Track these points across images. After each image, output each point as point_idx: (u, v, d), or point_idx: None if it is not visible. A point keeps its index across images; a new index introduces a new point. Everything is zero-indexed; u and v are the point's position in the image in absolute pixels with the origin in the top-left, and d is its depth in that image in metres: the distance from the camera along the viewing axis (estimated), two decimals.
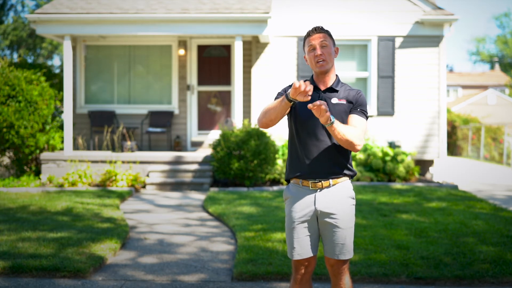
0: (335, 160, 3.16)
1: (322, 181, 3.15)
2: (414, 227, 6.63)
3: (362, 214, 7.34)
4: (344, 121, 3.14)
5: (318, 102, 2.85)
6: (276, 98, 3.21)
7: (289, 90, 3.15)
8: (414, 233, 6.33)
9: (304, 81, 3.03)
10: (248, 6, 11.10)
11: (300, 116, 3.17)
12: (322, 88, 3.20)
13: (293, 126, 3.21)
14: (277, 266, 5.03)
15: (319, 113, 2.88)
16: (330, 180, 3.16)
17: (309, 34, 3.19)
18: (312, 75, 3.26)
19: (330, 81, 3.21)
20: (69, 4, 11.41)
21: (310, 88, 2.89)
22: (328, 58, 3.15)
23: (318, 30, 3.17)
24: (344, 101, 3.16)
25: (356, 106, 3.18)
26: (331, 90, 3.19)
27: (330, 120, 2.93)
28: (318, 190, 3.16)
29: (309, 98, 2.93)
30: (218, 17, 10.80)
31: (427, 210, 7.81)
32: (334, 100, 3.16)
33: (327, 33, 3.19)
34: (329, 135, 3.14)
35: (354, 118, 3.15)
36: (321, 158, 3.14)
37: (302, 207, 3.17)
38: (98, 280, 4.87)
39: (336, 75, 3.26)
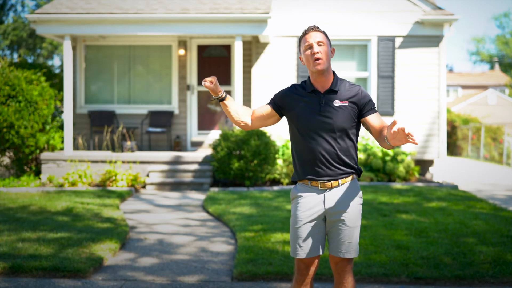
0: (343, 161, 3.16)
1: (332, 181, 3.16)
2: (414, 227, 6.63)
3: (362, 214, 7.28)
4: (346, 123, 3.12)
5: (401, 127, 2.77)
6: (267, 103, 3.32)
7: (279, 95, 3.27)
8: (414, 233, 6.33)
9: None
10: (248, 6, 11.10)
11: (303, 121, 3.14)
12: (322, 90, 3.16)
13: (297, 130, 3.18)
14: (277, 266, 5.03)
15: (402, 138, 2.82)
16: (339, 180, 3.17)
17: (305, 33, 3.16)
18: (308, 77, 3.22)
19: (328, 81, 3.16)
20: (69, 4, 11.41)
21: (207, 80, 3.13)
22: (325, 57, 3.10)
23: (314, 28, 3.15)
24: (346, 103, 3.12)
25: (368, 105, 3.15)
26: (331, 91, 3.15)
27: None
28: (328, 190, 3.16)
29: (210, 83, 3.12)
30: (218, 17, 10.79)
31: (427, 210, 7.80)
32: (336, 103, 3.12)
33: (324, 33, 3.17)
34: (335, 138, 3.13)
35: (375, 117, 3.15)
36: (330, 160, 3.13)
37: (311, 206, 3.16)
38: (98, 280, 4.87)
39: (333, 72, 3.20)
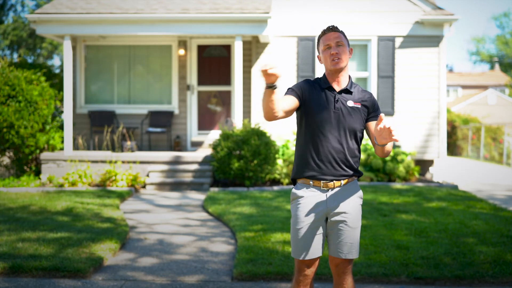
0: (349, 162, 3.16)
1: (334, 181, 3.15)
2: (414, 227, 6.63)
3: (362, 214, 7.30)
4: (356, 124, 3.14)
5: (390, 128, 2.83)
6: (285, 94, 3.17)
7: (299, 86, 3.16)
8: (414, 233, 6.33)
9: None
10: (248, 6, 11.10)
11: (316, 116, 3.14)
12: (337, 89, 3.18)
13: (306, 124, 3.18)
14: (277, 266, 5.03)
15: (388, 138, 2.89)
16: (342, 180, 3.16)
17: (324, 33, 3.19)
18: (324, 74, 3.24)
19: (344, 81, 3.20)
20: (69, 4, 11.41)
21: (271, 66, 2.78)
22: (343, 57, 3.14)
23: (334, 29, 3.18)
24: (359, 105, 3.17)
25: (376, 112, 3.21)
26: (346, 91, 3.18)
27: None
28: (330, 190, 3.16)
29: (276, 76, 2.81)
30: (218, 17, 10.80)
31: (427, 210, 7.81)
32: (350, 103, 3.16)
33: (342, 33, 3.20)
34: (343, 137, 3.14)
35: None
36: (334, 159, 3.14)
37: (312, 207, 3.15)
38: (98, 280, 4.87)
39: (349, 75, 3.25)
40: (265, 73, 2.80)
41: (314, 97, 3.16)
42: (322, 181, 3.15)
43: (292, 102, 3.12)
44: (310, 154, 3.17)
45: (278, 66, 2.80)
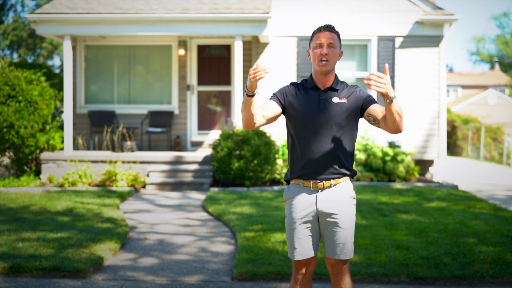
0: (336, 160, 3.16)
1: (324, 182, 3.15)
2: (414, 227, 6.63)
3: (362, 214, 7.34)
4: (344, 121, 3.14)
5: (375, 76, 2.78)
6: (269, 99, 3.22)
7: (281, 92, 3.20)
8: (414, 233, 6.33)
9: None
10: (248, 6, 11.10)
11: (302, 116, 3.15)
12: (322, 88, 3.19)
13: (293, 126, 3.20)
14: (277, 266, 5.03)
15: (381, 88, 2.81)
16: (332, 180, 3.16)
17: (319, 30, 3.17)
18: (311, 74, 3.25)
19: (329, 81, 3.20)
20: (69, 4, 11.41)
21: (261, 68, 2.88)
22: (331, 60, 3.13)
23: (329, 28, 3.15)
24: (345, 100, 3.16)
25: (368, 99, 3.15)
26: (331, 89, 3.19)
27: (393, 94, 2.85)
28: (320, 191, 3.16)
29: (262, 76, 2.90)
30: (218, 17, 10.80)
31: (427, 210, 7.81)
32: (335, 100, 3.16)
33: (337, 34, 3.18)
34: (331, 135, 3.14)
35: (377, 105, 3.13)
36: (323, 159, 3.14)
37: (303, 208, 3.17)
38: (98, 280, 4.87)
39: (336, 74, 3.25)
40: (252, 76, 2.86)
41: (299, 99, 3.17)
42: (312, 181, 3.16)
43: (274, 108, 3.17)
44: (299, 154, 3.18)
45: (267, 71, 2.87)
